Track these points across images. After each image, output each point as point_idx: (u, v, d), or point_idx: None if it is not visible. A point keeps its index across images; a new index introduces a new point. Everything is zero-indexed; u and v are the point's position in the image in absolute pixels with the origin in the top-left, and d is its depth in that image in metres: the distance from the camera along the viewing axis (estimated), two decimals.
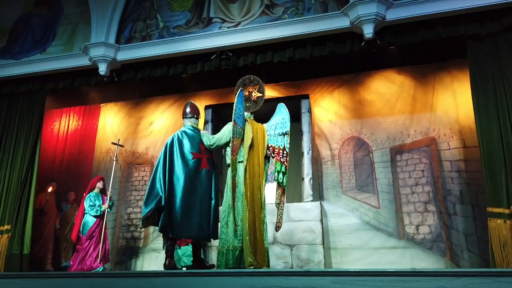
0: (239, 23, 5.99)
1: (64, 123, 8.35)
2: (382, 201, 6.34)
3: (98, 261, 6.08)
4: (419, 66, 6.67)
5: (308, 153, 6.83)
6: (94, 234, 6.26)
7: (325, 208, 6.48)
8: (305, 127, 7.00)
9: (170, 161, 4.37)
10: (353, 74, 6.99)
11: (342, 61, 6.27)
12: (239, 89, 4.43)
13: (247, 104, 4.65)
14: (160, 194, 4.19)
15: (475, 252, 5.68)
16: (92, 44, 6.30)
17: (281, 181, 4.34)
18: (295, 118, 7.29)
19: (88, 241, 6.22)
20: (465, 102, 6.36)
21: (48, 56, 6.69)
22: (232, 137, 4.12)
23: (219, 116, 7.63)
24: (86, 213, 6.34)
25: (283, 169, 4.34)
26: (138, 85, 7.15)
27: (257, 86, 4.74)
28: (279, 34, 5.69)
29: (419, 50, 6.04)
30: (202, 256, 5.08)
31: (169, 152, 4.42)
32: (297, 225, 6.05)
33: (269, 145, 4.47)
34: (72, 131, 8.30)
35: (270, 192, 5.34)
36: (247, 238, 4.05)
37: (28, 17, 7.16)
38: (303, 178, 6.79)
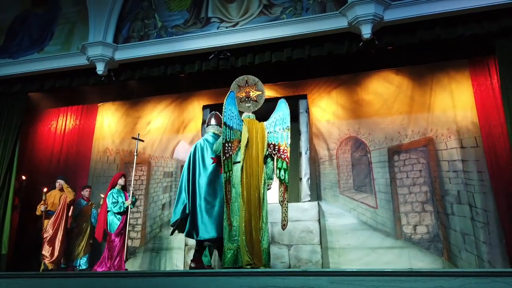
0: (237, 23, 5.99)
1: (61, 123, 8.33)
2: (380, 201, 6.35)
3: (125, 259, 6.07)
4: (416, 66, 6.68)
5: (306, 153, 6.84)
6: (123, 231, 6.15)
7: (322, 208, 6.49)
8: (303, 127, 7.01)
9: (193, 169, 4.59)
10: (351, 74, 6.99)
11: (340, 61, 6.28)
12: (229, 91, 4.43)
13: (247, 105, 4.65)
14: (185, 201, 4.44)
15: (473, 252, 5.69)
16: (90, 43, 6.29)
17: (282, 178, 4.31)
18: (293, 118, 7.25)
19: (118, 238, 6.10)
20: (463, 103, 6.40)
21: (45, 55, 6.68)
22: (223, 139, 4.11)
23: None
24: (109, 210, 6.21)
25: (284, 165, 4.31)
26: (135, 84, 7.13)
27: (254, 85, 4.72)
28: (277, 34, 5.69)
29: (417, 51, 6.05)
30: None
31: (192, 160, 4.65)
32: (294, 225, 6.05)
33: (269, 143, 4.43)
34: (70, 131, 8.27)
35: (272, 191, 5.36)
36: (243, 237, 4.05)
37: (26, 16, 7.15)
38: (301, 178, 6.80)
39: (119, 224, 6.15)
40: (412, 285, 2.97)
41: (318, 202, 6.33)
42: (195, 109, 7.68)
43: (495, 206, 5.73)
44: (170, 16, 6.37)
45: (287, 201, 4.34)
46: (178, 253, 6.84)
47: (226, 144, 4.12)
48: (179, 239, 6.92)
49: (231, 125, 4.20)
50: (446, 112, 6.44)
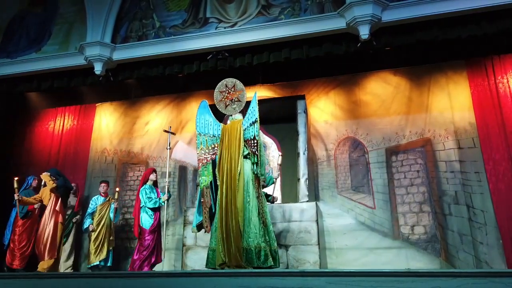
0: (235, 23, 5.99)
1: (59, 123, 8.31)
2: (378, 202, 6.36)
3: (162, 257, 5.92)
4: (414, 67, 6.70)
5: (304, 153, 6.85)
6: (156, 229, 5.95)
7: (320, 209, 6.49)
8: (301, 128, 7.02)
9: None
10: (349, 75, 7.00)
11: (338, 62, 6.28)
12: (201, 101, 4.78)
13: (233, 107, 4.76)
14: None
15: (470, 253, 5.71)
16: (88, 43, 6.28)
17: (255, 172, 4.31)
18: (291, 118, 7.32)
19: (151, 236, 5.86)
20: (460, 103, 6.42)
21: (43, 55, 6.66)
22: (197, 147, 4.42)
23: (215, 116, 7.61)
24: (143, 206, 5.96)
25: (255, 159, 4.31)
26: (134, 84, 7.12)
27: (233, 86, 4.82)
28: (275, 34, 5.70)
29: (415, 51, 6.06)
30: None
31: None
32: (292, 225, 6.05)
33: (246, 139, 4.46)
34: (67, 131, 8.26)
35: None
36: (219, 237, 4.18)
37: (23, 15, 7.13)
38: (298, 179, 6.80)
39: (153, 222, 5.91)
40: (409, 285, 2.98)
41: (316, 203, 6.34)
42: (193, 109, 7.66)
43: (493, 207, 5.75)
44: (168, 16, 6.36)
45: (262, 196, 4.30)
46: (176, 254, 6.83)
47: (202, 152, 4.45)
48: (178, 240, 6.92)
49: (206, 132, 4.54)
50: (443, 112, 6.45)
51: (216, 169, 4.46)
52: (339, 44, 5.62)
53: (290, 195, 7.13)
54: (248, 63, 5.89)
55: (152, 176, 6.24)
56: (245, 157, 4.44)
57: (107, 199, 6.82)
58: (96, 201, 6.78)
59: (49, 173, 6.48)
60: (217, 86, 4.87)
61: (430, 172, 6.25)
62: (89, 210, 6.71)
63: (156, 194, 6.14)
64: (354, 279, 3.10)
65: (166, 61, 6.22)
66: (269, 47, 5.82)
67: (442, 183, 6.15)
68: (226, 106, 4.78)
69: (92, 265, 6.43)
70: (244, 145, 4.44)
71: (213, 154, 4.46)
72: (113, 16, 6.45)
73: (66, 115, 8.35)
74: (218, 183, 4.41)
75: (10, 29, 7.06)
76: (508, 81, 6.19)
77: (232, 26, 5.98)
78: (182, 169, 7.49)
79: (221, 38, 5.92)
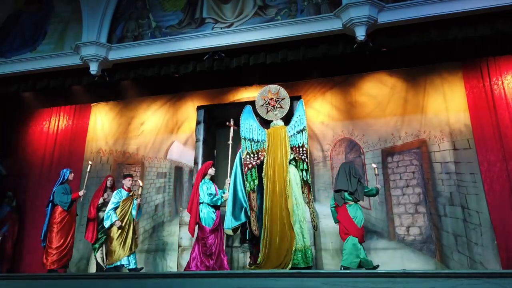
0: (232, 24, 5.99)
1: (54, 123, 8.26)
2: (373, 203, 6.37)
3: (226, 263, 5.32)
4: (410, 68, 6.72)
5: None
6: (219, 227, 5.40)
7: (316, 210, 6.49)
8: None
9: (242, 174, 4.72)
10: (345, 76, 7.01)
11: (335, 63, 6.29)
12: (245, 106, 4.80)
13: (274, 113, 4.90)
14: (244, 205, 4.57)
15: (465, 253, 5.73)
16: (83, 43, 6.26)
17: (305, 178, 4.53)
18: (287, 119, 7.30)
19: (213, 235, 5.34)
20: (456, 105, 6.44)
21: (38, 54, 6.63)
22: (243, 152, 4.51)
23: (212, 117, 7.61)
24: (202, 202, 5.44)
25: (305, 166, 4.52)
26: (129, 84, 7.10)
27: (277, 93, 4.97)
28: (272, 35, 5.70)
29: (411, 53, 6.08)
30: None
31: (243, 164, 4.73)
32: None
33: (292, 146, 4.61)
34: (62, 131, 8.21)
35: None
36: (263, 239, 4.37)
37: (18, 15, 7.09)
38: None
39: (215, 220, 5.40)
40: (404, 286, 2.99)
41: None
42: (189, 109, 7.65)
43: (487, 208, 5.78)
44: (164, 16, 6.35)
45: (312, 202, 4.57)
46: (172, 255, 6.81)
47: (248, 156, 4.53)
48: (173, 240, 6.90)
49: (251, 138, 4.60)
50: (439, 114, 6.48)
51: (262, 174, 4.59)
52: (335, 45, 5.63)
53: None
54: (245, 64, 5.89)
55: (211, 171, 5.68)
56: (289, 162, 4.60)
57: (130, 194, 6.23)
58: (121, 195, 6.13)
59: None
60: (260, 92, 5.02)
61: (425, 173, 6.28)
62: (113, 205, 6.03)
63: (214, 190, 5.59)
64: (350, 280, 3.11)
65: (162, 61, 6.21)
66: (266, 48, 5.82)
67: (437, 184, 6.17)
68: (268, 112, 4.93)
69: (114, 265, 5.82)
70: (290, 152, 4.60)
71: (257, 159, 4.59)
72: (109, 16, 6.43)
73: (61, 115, 8.30)
74: (264, 187, 4.54)
75: (5, 28, 7.02)
76: (503, 83, 6.23)
77: (229, 26, 5.97)
78: (178, 169, 7.47)
79: (218, 39, 5.92)
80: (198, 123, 7.40)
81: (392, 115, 6.72)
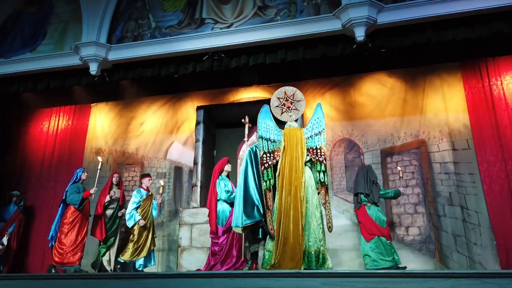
0: (231, 24, 5.99)
1: (53, 123, 8.27)
2: None
3: (243, 259, 5.15)
4: (409, 69, 6.73)
5: None
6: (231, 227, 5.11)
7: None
8: None
9: (257, 169, 4.64)
10: (345, 76, 7.02)
11: (334, 63, 6.29)
12: (263, 106, 4.74)
13: (289, 114, 4.90)
14: (256, 203, 4.49)
15: (464, 254, 5.74)
16: (83, 43, 6.26)
17: (322, 180, 4.49)
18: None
19: (226, 235, 5.21)
20: (455, 105, 6.46)
21: (38, 55, 6.62)
22: (261, 150, 4.49)
23: (211, 117, 7.63)
24: (219, 199, 5.36)
25: (322, 168, 4.49)
26: (129, 85, 7.10)
27: (293, 95, 4.96)
28: (271, 35, 5.71)
29: (410, 53, 6.09)
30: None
31: (254, 161, 4.68)
32: None
33: (308, 148, 4.60)
34: (62, 131, 8.21)
35: None
36: (276, 239, 4.32)
37: (18, 15, 7.08)
38: None
39: (228, 218, 5.21)
40: (404, 286, 2.99)
41: None
42: (188, 110, 7.67)
43: (486, 208, 5.80)
44: (164, 16, 6.35)
45: (329, 203, 4.50)
46: (172, 255, 6.81)
47: (264, 155, 4.50)
48: (173, 240, 6.91)
49: (268, 137, 4.58)
50: (438, 114, 6.50)
51: (276, 174, 4.56)
52: (334, 45, 5.64)
53: None
54: (244, 64, 5.89)
55: (227, 167, 5.61)
56: (304, 164, 4.59)
57: (149, 194, 6.28)
58: (141, 194, 6.17)
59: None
60: (275, 93, 5.00)
61: (424, 173, 6.29)
62: (134, 205, 6.04)
63: (230, 187, 5.49)
64: (349, 280, 3.12)
65: (162, 62, 6.21)
66: (265, 48, 5.83)
67: (436, 185, 6.19)
68: (282, 113, 4.93)
69: (127, 261, 5.86)
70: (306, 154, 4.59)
71: (273, 158, 4.57)
72: (108, 16, 6.43)
73: (61, 115, 8.31)
74: (278, 187, 4.51)
75: (5, 28, 7.02)
76: (502, 83, 6.25)
77: (228, 27, 5.98)
78: (178, 169, 7.47)
79: (217, 39, 5.93)
80: (197, 123, 7.41)
81: (391, 116, 6.74)
